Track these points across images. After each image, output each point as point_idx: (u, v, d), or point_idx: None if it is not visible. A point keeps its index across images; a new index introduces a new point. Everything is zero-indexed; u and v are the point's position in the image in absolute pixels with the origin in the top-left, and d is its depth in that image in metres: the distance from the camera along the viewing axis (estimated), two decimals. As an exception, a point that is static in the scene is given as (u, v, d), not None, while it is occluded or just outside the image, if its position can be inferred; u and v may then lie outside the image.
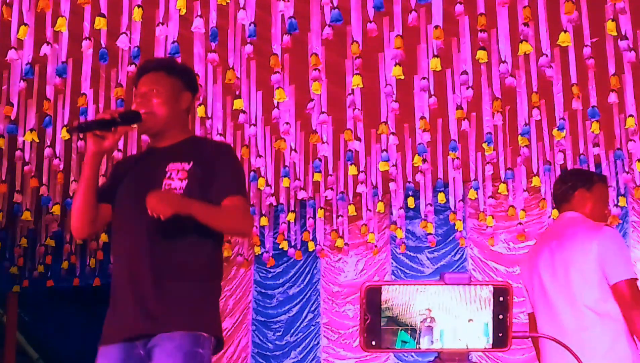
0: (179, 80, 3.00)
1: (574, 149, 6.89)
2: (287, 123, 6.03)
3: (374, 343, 1.43)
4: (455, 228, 8.19)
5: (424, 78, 5.51)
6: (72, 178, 6.68)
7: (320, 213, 8.12)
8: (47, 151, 6.22)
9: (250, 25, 4.73)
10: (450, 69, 5.71)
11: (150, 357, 2.73)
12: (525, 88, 5.85)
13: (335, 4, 4.61)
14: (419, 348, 1.43)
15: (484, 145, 6.40)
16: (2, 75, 5.83)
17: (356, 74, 5.23)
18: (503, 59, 5.07)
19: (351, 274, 9.63)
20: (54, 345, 10.49)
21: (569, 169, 4.04)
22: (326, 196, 7.60)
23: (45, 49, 4.86)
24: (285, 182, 7.21)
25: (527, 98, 5.89)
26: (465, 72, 5.33)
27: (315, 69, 5.10)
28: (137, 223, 2.80)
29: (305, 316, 9.74)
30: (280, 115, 5.89)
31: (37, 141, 5.94)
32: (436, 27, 4.70)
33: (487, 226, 8.20)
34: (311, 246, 8.56)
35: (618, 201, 7.54)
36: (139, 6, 4.69)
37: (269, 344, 9.82)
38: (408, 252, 9.13)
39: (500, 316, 1.44)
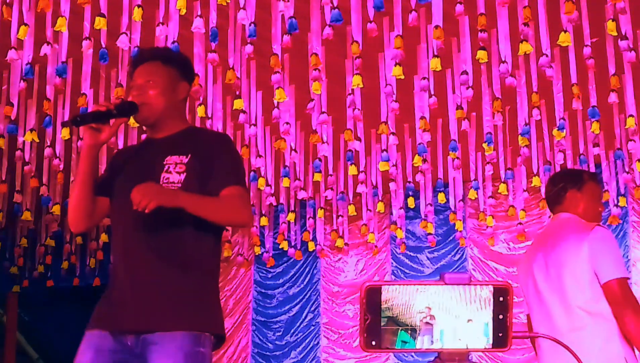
0: (175, 69, 2.94)
1: (574, 149, 6.89)
2: (287, 123, 6.03)
3: (374, 343, 1.43)
4: (455, 228, 8.19)
5: (424, 78, 5.51)
6: (72, 178, 6.68)
7: (320, 213, 8.12)
8: (47, 151, 6.22)
9: (250, 25, 4.73)
10: (450, 69, 5.71)
11: (147, 354, 2.69)
12: (525, 88, 5.85)
13: (335, 4, 4.61)
14: (419, 348, 1.43)
15: (484, 145, 6.40)
16: (2, 75, 5.83)
17: (356, 74, 5.23)
18: (503, 59, 5.07)
19: (351, 274, 9.63)
20: (54, 345, 10.49)
21: (559, 171, 4.05)
22: (326, 196, 7.60)
23: (45, 49, 4.86)
24: (285, 182, 7.21)
25: (527, 98, 5.89)
26: (465, 72, 5.32)
27: (315, 69, 5.10)
28: (135, 217, 2.74)
29: (305, 317, 9.75)
30: (280, 115, 5.89)
31: (37, 141, 5.94)
32: (436, 27, 4.70)
33: (487, 226, 8.20)
34: (311, 246, 8.56)
35: (618, 201, 7.54)
36: (139, 6, 4.69)
37: (269, 344, 9.82)
38: (408, 252, 9.13)
39: (500, 317, 1.44)
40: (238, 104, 5.65)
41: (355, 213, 7.80)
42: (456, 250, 9.18)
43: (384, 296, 1.43)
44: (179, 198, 2.70)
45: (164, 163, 2.83)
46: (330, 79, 5.63)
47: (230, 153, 2.92)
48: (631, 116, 5.83)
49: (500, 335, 1.45)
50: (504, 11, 4.78)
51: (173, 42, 4.69)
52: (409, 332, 1.43)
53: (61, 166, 6.41)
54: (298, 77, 5.68)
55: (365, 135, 6.55)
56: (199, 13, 4.76)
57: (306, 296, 9.79)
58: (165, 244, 2.77)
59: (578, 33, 5.00)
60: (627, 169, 7.11)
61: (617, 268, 3.37)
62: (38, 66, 5.38)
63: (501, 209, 8.35)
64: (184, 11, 4.61)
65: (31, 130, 5.78)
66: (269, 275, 9.95)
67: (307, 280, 9.82)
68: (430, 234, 8.27)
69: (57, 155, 6.26)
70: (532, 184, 7.08)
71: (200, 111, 5.68)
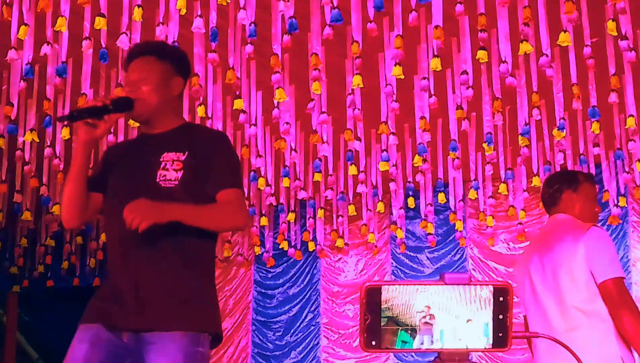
0: (170, 65, 2.90)
1: (574, 149, 6.90)
2: (287, 123, 6.03)
3: (374, 343, 1.43)
4: (455, 228, 8.19)
5: (424, 78, 5.51)
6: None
7: (320, 213, 8.12)
8: (47, 151, 6.22)
9: (250, 25, 4.73)
10: (450, 69, 5.71)
11: (145, 353, 2.68)
12: (525, 88, 5.85)
13: (335, 4, 4.61)
14: (419, 348, 1.43)
15: (484, 145, 6.40)
16: (2, 75, 5.84)
17: (356, 74, 5.23)
18: (503, 59, 5.07)
19: (351, 274, 9.64)
20: (54, 345, 10.47)
21: (554, 173, 4.06)
22: (326, 196, 7.60)
23: (45, 49, 4.86)
24: (285, 182, 7.21)
25: (527, 98, 5.89)
26: (465, 72, 5.32)
27: (315, 69, 5.10)
28: None
29: (305, 317, 9.75)
30: (280, 115, 5.89)
31: (37, 141, 5.94)
32: (436, 27, 4.70)
33: (487, 226, 8.20)
34: (311, 246, 8.56)
35: (618, 201, 7.54)
36: (139, 6, 4.69)
37: (269, 344, 9.82)
38: (408, 252, 9.13)
39: (500, 316, 1.44)
40: (238, 104, 5.65)
41: (355, 213, 7.80)
42: (456, 250, 9.19)
43: (384, 296, 1.43)
44: (172, 211, 2.68)
45: (161, 159, 2.80)
46: (330, 79, 5.63)
47: (228, 153, 2.89)
48: (631, 116, 5.83)
49: (500, 335, 1.45)
50: (504, 11, 4.78)
51: (173, 42, 4.68)
52: (409, 332, 1.43)
53: (61, 166, 6.41)
54: (298, 77, 5.68)
55: (365, 135, 6.55)
56: (199, 13, 4.76)
57: (306, 296, 9.80)
58: (163, 242, 2.75)
59: (578, 33, 5.00)
60: (627, 169, 7.11)
61: (613, 268, 3.38)
62: (38, 66, 5.38)
63: (501, 209, 8.35)
64: (184, 11, 4.61)
65: (31, 130, 5.78)
66: (269, 275, 9.95)
67: (307, 280, 9.82)
68: (430, 234, 8.27)
69: (57, 155, 6.26)
70: (532, 184, 7.07)
71: (200, 111, 5.68)
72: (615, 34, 4.89)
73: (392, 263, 9.47)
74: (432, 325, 1.43)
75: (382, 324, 1.42)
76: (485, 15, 4.85)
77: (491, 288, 1.45)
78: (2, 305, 10.24)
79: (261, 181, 6.94)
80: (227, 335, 9.78)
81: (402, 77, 5.06)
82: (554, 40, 4.85)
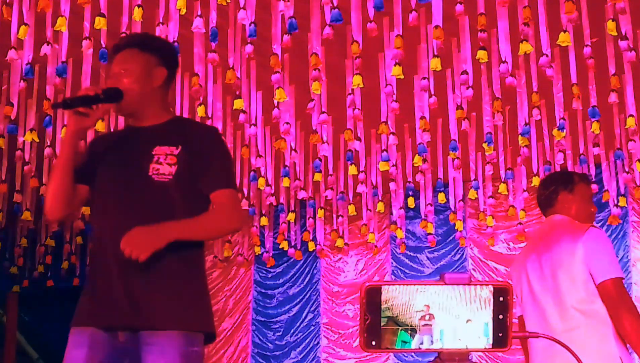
0: (153, 56, 2.87)
1: (574, 149, 6.90)
2: (287, 123, 6.03)
3: (374, 343, 1.43)
4: (455, 228, 8.19)
5: (424, 78, 5.51)
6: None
7: (320, 213, 8.12)
8: (47, 151, 6.22)
9: (250, 25, 4.73)
10: (450, 69, 5.72)
11: (142, 353, 2.67)
12: (525, 88, 5.85)
13: (335, 4, 4.61)
14: (419, 348, 1.43)
15: (484, 145, 6.41)
16: (2, 75, 5.84)
17: (356, 74, 5.23)
18: (503, 59, 5.07)
19: (351, 274, 9.64)
20: (54, 345, 10.47)
21: (549, 174, 4.06)
22: (326, 196, 7.60)
23: (45, 49, 4.86)
24: (285, 182, 7.21)
25: (527, 98, 5.90)
26: (465, 72, 5.33)
27: (315, 69, 5.10)
28: (122, 208, 2.70)
29: (305, 317, 9.75)
30: (280, 115, 5.89)
31: (37, 141, 5.94)
32: (436, 27, 4.70)
33: (487, 226, 8.20)
34: (311, 246, 8.56)
35: (618, 201, 7.54)
36: (139, 6, 4.69)
37: (269, 344, 9.82)
38: (408, 252, 9.13)
39: (500, 316, 1.44)
40: (238, 104, 5.65)
41: (355, 213, 7.80)
42: (456, 250, 9.19)
43: (384, 296, 1.43)
44: (169, 233, 2.65)
45: (153, 153, 2.77)
46: (330, 79, 5.63)
47: (221, 151, 2.86)
48: (631, 116, 5.83)
49: (500, 335, 1.45)
50: (504, 11, 4.78)
51: (173, 42, 4.68)
52: (409, 331, 1.43)
53: (61, 166, 6.40)
54: (298, 77, 5.68)
55: (365, 135, 6.55)
56: (199, 13, 4.76)
57: (306, 296, 9.79)
58: None
59: (578, 33, 5.00)
60: (627, 169, 7.11)
61: (612, 268, 3.38)
62: (38, 66, 5.38)
63: (501, 209, 8.35)
64: (184, 11, 4.61)
65: (31, 130, 5.78)
66: (269, 275, 9.95)
67: (307, 280, 9.82)
68: (430, 234, 8.27)
69: (57, 155, 6.25)
70: (532, 184, 7.07)
71: (200, 111, 5.68)
72: (615, 34, 4.89)
73: (392, 263, 9.47)
74: (432, 325, 1.43)
75: (382, 324, 1.42)
76: (485, 15, 4.86)
77: (491, 288, 1.45)
78: (2, 305, 10.24)
79: (261, 181, 6.94)
80: (227, 335, 9.79)
81: (402, 77, 5.06)
82: (554, 40, 4.85)
